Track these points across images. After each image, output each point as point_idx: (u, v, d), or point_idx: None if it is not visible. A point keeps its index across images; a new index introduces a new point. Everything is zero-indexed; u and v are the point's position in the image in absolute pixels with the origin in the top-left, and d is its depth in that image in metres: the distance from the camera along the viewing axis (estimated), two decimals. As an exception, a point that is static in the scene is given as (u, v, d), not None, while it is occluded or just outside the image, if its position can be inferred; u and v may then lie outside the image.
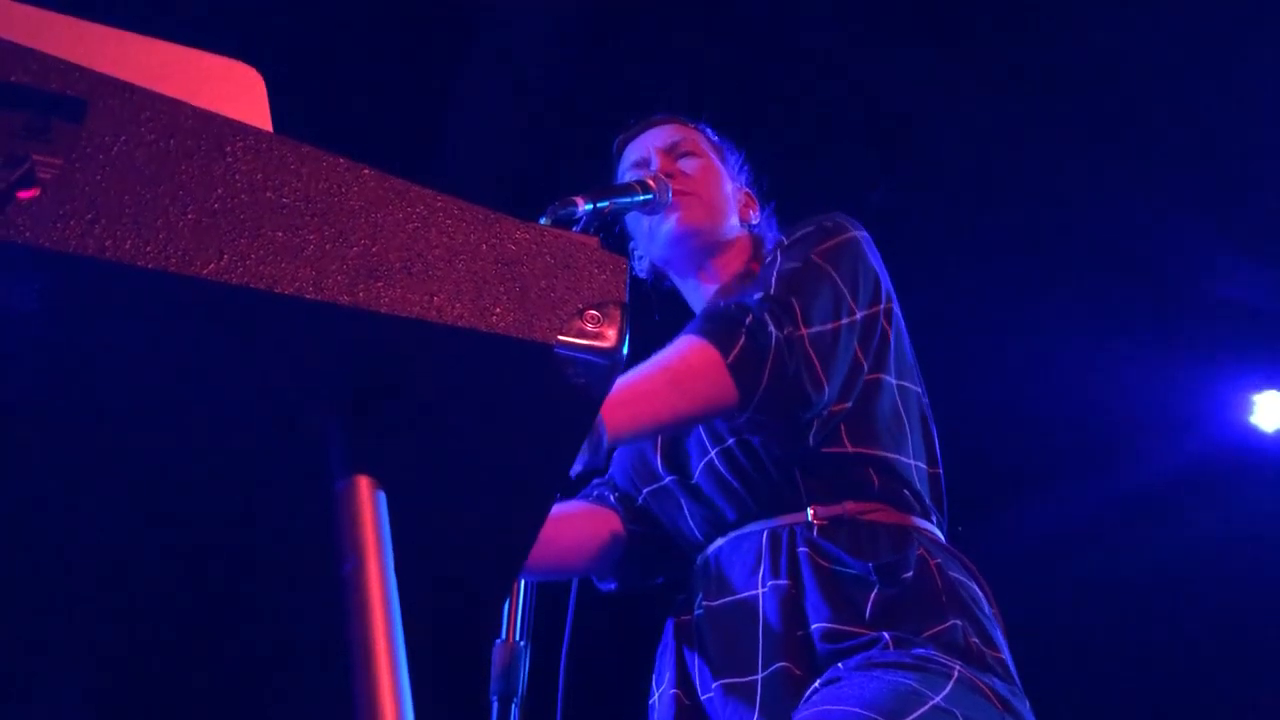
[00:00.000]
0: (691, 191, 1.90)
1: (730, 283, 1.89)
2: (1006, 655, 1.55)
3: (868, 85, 4.15)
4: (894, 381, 1.76)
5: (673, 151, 1.97)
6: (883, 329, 1.76)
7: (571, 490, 1.94)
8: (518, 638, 1.73)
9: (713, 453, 1.71)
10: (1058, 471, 5.22)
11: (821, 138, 4.39)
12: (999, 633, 1.58)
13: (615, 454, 1.96)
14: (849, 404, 1.68)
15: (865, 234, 1.82)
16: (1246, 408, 5.02)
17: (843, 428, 1.67)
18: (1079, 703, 5.09)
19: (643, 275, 2.01)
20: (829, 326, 1.63)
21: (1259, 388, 5.00)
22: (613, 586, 1.91)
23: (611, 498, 1.90)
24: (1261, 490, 5.06)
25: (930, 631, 1.49)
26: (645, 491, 1.85)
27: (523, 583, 1.76)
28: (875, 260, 1.81)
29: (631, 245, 2.04)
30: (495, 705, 1.68)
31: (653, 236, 1.92)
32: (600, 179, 2.08)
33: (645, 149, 1.99)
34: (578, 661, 1.90)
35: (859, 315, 1.71)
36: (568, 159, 3.95)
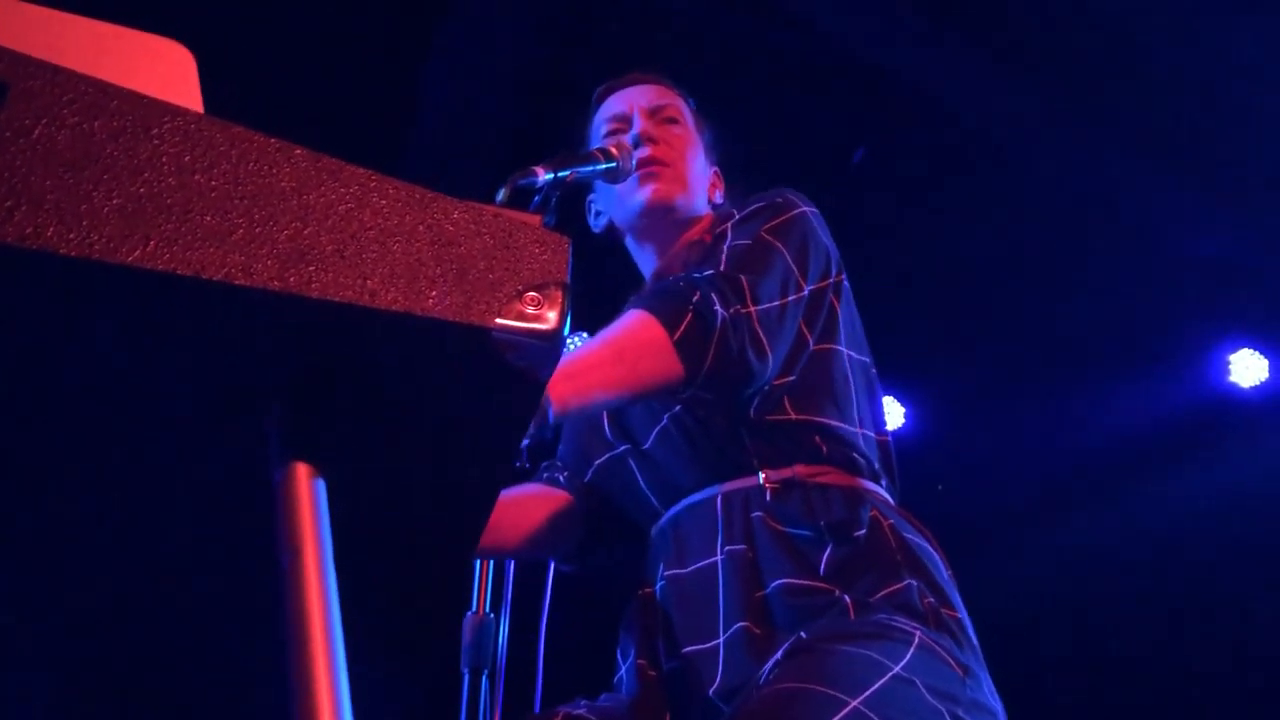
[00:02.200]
0: (669, 162, 1.89)
1: (680, 251, 1.89)
2: (963, 615, 1.57)
3: (842, 40, 4.13)
4: (841, 350, 1.78)
5: (656, 114, 1.95)
6: (830, 303, 1.78)
7: (522, 475, 1.93)
8: (488, 610, 1.73)
9: (665, 418, 1.72)
10: (1034, 434, 5.24)
11: (801, 99, 4.37)
12: (955, 593, 1.60)
13: (563, 433, 1.96)
14: (792, 377, 1.70)
15: (814, 209, 1.83)
16: (1223, 366, 5.04)
17: (786, 398, 1.68)
18: (1059, 663, 5.14)
19: (597, 231, 2.01)
20: (776, 304, 1.65)
21: (1234, 347, 5.02)
22: (573, 568, 1.91)
23: (561, 479, 1.90)
24: (1242, 445, 5.09)
25: (885, 591, 1.50)
26: (596, 464, 1.84)
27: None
28: (825, 235, 1.82)
29: (590, 199, 2.02)
30: (466, 678, 1.68)
31: (622, 202, 1.90)
32: (574, 146, 2.05)
33: (628, 104, 1.96)
34: (557, 632, 1.90)
35: (806, 291, 1.72)
36: (538, 126, 3.93)
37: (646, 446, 1.75)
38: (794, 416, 1.67)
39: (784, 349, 1.66)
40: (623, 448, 1.79)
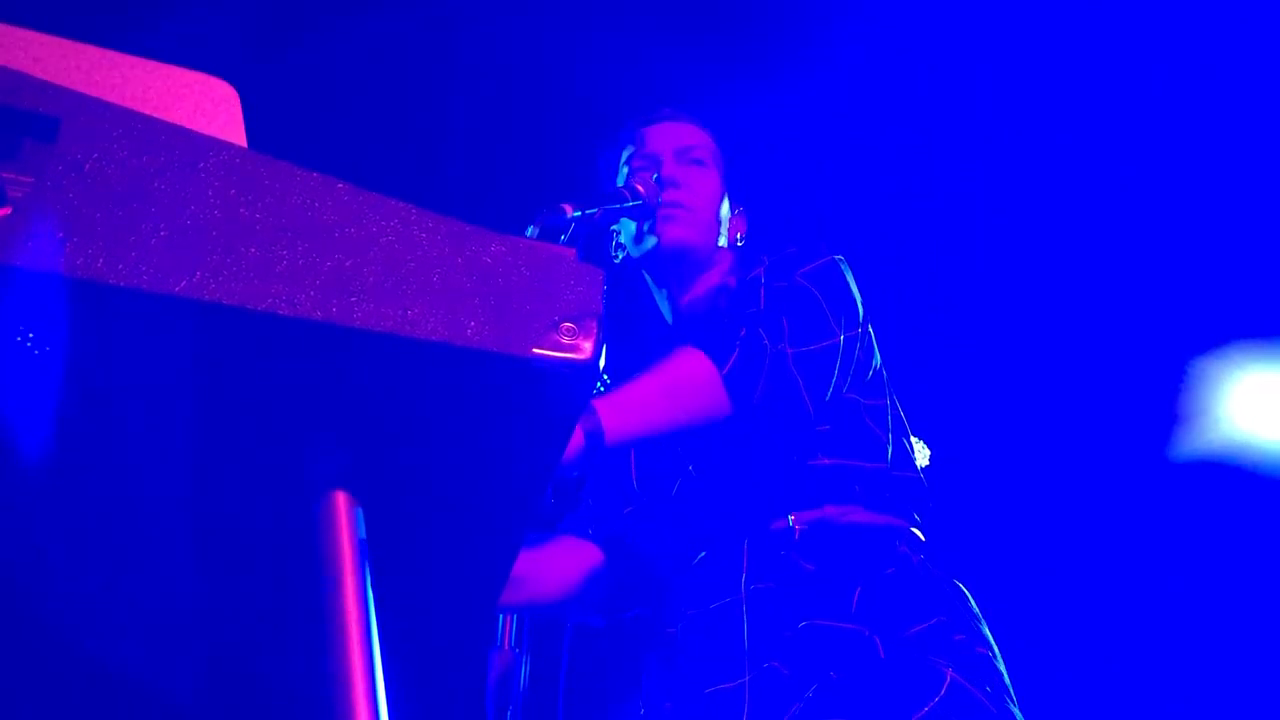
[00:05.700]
0: (688, 206, 1.90)
1: (704, 296, 1.91)
2: (993, 650, 1.57)
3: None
4: (864, 401, 1.80)
5: (683, 156, 1.96)
6: (859, 352, 1.80)
7: (549, 528, 1.93)
8: (514, 646, 1.73)
9: (690, 469, 1.72)
10: (1042, 472, 5.21)
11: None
12: (984, 628, 1.60)
13: (586, 487, 1.96)
14: (827, 424, 1.71)
15: (843, 256, 1.86)
16: (1234, 406, 4.99)
17: (819, 444, 1.70)
18: (1060, 707, 5.07)
19: (615, 263, 2.02)
20: (814, 347, 1.67)
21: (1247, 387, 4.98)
22: (600, 621, 1.91)
23: (589, 532, 1.90)
24: (1251, 491, 5.04)
25: (917, 628, 1.51)
26: (622, 516, 1.85)
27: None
28: (854, 284, 1.84)
29: (614, 228, 2.02)
30: (491, 714, 1.68)
31: (639, 241, 1.92)
32: (585, 183, 2.07)
33: (657, 143, 1.97)
34: (579, 670, 1.90)
35: (841, 338, 1.74)
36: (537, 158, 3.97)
37: (671, 498, 1.76)
38: (826, 462, 1.70)
39: (823, 394, 1.69)
40: (647, 500, 1.81)
